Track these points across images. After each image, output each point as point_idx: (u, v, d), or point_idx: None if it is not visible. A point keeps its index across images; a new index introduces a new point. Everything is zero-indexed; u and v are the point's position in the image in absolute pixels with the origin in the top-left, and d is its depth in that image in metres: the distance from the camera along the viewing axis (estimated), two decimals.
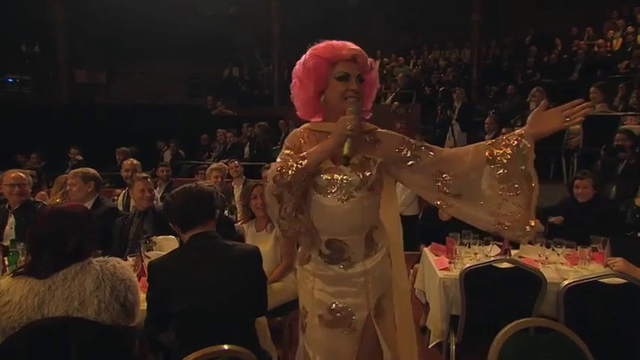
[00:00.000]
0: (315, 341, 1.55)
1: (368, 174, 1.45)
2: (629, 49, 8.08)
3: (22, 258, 2.37)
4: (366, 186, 1.44)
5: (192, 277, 1.57)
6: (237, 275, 1.60)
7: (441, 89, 7.47)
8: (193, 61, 11.97)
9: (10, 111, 8.43)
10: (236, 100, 11.41)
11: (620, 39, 8.66)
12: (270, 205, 1.45)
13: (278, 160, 1.44)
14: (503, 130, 4.90)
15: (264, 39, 11.39)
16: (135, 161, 4.31)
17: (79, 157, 6.73)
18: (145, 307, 1.80)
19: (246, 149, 7.44)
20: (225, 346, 1.37)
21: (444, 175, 1.46)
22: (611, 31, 9.11)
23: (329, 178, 1.43)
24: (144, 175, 3.28)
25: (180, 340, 1.62)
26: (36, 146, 6.98)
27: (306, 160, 1.37)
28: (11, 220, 3.06)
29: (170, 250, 1.82)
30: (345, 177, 1.43)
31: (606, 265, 2.31)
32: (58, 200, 3.35)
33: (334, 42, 1.49)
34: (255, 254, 1.63)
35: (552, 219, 3.42)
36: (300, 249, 1.59)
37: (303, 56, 1.50)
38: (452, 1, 10.08)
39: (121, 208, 4.03)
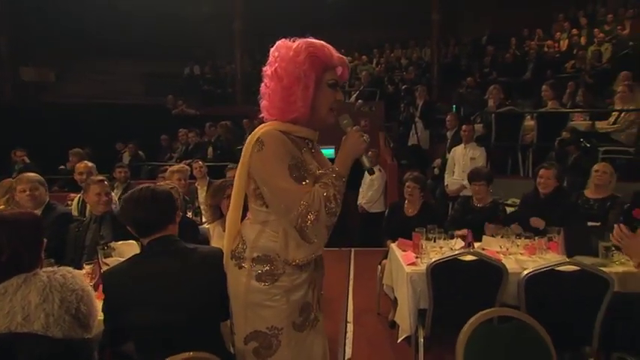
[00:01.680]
0: (294, 354, 1.46)
1: None
2: (574, 51, 8.59)
3: None
4: None
5: (151, 286, 1.49)
6: (200, 281, 1.53)
7: (403, 87, 7.62)
8: (151, 59, 11.56)
9: None
10: (198, 99, 11.13)
11: (567, 40, 9.18)
12: (319, 235, 1.35)
13: (304, 183, 1.37)
14: (463, 127, 5.05)
15: (227, 36, 11.18)
16: (89, 163, 4.10)
17: (26, 160, 6.32)
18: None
19: (210, 149, 7.27)
20: (191, 353, 1.32)
21: None
22: (558, 33, 9.65)
23: None
24: (100, 177, 3.12)
25: (141, 353, 1.54)
26: None
27: (342, 179, 1.38)
28: None
29: (127, 258, 1.72)
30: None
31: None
32: (2, 207, 3.12)
33: (326, 44, 1.42)
34: (217, 256, 1.55)
35: (534, 224, 3.29)
36: (265, 268, 1.41)
37: (293, 51, 1.37)
38: (413, 1, 10.30)
39: (75, 213, 3.82)
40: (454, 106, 7.39)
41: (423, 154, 6.60)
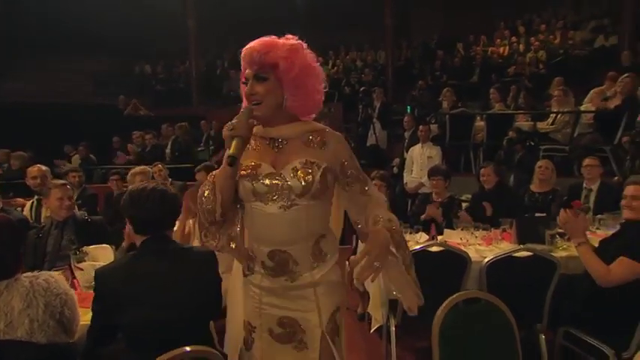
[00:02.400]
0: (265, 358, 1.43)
1: (310, 179, 1.30)
2: (515, 56, 9.27)
3: None
4: (309, 193, 1.31)
5: (146, 284, 1.50)
6: (195, 280, 1.56)
7: (361, 89, 7.84)
8: (99, 56, 11.02)
9: None
10: (150, 99, 10.74)
11: (507, 47, 9.89)
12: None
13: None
14: (420, 128, 5.32)
15: (181, 34, 10.89)
16: (43, 167, 3.90)
17: None
18: (85, 321, 1.69)
19: (168, 151, 7.08)
20: (188, 348, 1.36)
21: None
22: (498, 40, 10.35)
23: (268, 184, 1.31)
24: (62, 181, 3.00)
25: (134, 351, 1.54)
26: None
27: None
28: None
29: (120, 257, 1.71)
30: (286, 183, 1.30)
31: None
32: None
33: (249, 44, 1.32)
34: (211, 257, 1.60)
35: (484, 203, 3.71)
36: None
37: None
38: (366, 5, 10.59)
39: (30, 219, 3.63)
40: (408, 107, 7.73)
41: (381, 154, 6.85)
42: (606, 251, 2.23)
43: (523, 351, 1.76)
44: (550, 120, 5.73)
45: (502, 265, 2.40)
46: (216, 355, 1.39)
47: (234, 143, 1.25)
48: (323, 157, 1.35)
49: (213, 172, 1.39)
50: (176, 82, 11.77)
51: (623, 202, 2.31)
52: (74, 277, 2.16)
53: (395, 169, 6.05)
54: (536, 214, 3.36)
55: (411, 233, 3.13)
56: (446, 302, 1.76)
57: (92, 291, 1.59)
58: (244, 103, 1.36)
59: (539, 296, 2.43)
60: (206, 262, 1.58)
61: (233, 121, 1.28)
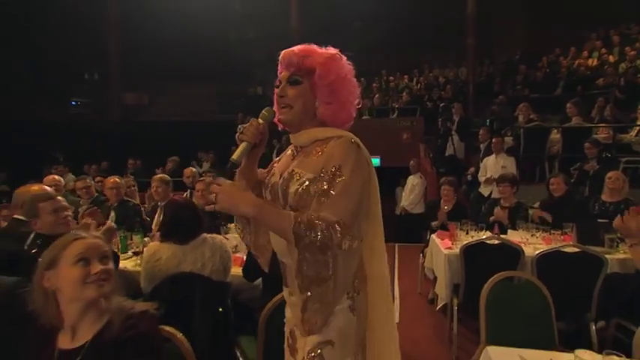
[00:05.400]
0: None
1: (286, 190, 1.17)
2: (605, 67, 8.58)
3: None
4: (287, 203, 1.17)
5: None
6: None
7: (441, 105, 8.01)
8: (221, 82, 12.67)
9: (74, 128, 9.26)
10: None
11: (597, 58, 9.15)
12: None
13: None
14: (494, 140, 5.44)
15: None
16: (194, 169, 4.94)
17: (139, 164, 7.48)
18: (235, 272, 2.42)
19: None
20: None
21: None
22: (586, 52, 9.61)
23: (270, 192, 1.25)
24: (202, 178, 3.94)
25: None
26: (97, 157, 7.74)
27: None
28: (112, 214, 3.70)
29: None
30: (277, 192, 1.21)
31: None
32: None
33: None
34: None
35: (544, 216, 3.82)
36: None
37: None
38: (451, 27, 10.65)
39: None
40: (487, 120, 7.71)
41: (458, 164, 6.99)
42: None
43: (575, 340, 1.93)
44: (634, 132, 5.39)
45: (551, 258, 2.62)
46: None
47: (239, 147, 1.18)
48: (313, 168, 1.15)
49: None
50: None
51: None
52: None
53: (469, 177, 6.19)
54: (599, 220, 3.39)
55: (475, 230, 3.43)
56: (490, 280, 2.11)
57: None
58: (275, 107, 1.26)
59: (588, 289, 2.60)
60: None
61: (244, 124, 1.22)
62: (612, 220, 3.59)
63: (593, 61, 9.04)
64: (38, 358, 1.19)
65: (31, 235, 2.09)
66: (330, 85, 1.19)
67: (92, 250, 1.23)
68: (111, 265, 1.27)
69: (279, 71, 1.26)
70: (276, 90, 1.24)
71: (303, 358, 1.17)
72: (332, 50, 1.23)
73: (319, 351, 1.15)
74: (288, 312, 1.31)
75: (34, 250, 2.02)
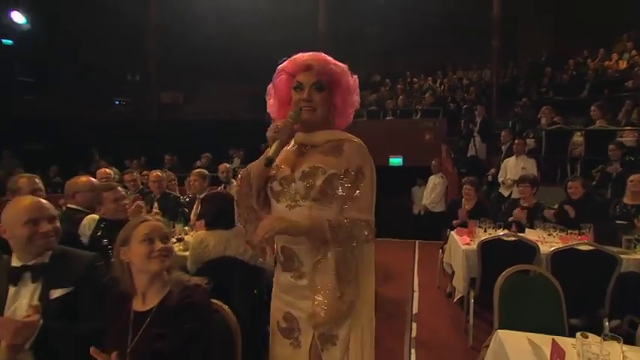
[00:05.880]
0: (273, 350, 1.45)
1: (312, 183, 1.28)
2: (635, 69, 8.31)
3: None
4: (310, 196, 1.29)
5: None
6: None
7: (464, 107, 7.98)
8: (250, 82, 12.97)
9: (116, 126, 9.82)
10: None
11: (626, 60, 8.87)
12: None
13: None
14: (516, 141, 5.44)
15: None
16: (228, 165, 5.21)
17: (175, 159, 7.87)
18: None
19: None
20: None
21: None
22: (615, 54, 9.31)
23: (282, 184, 1.34)
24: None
25: None
26: (136, 153, 8.19)
27: (247, 171, 1.39)
28: (155, 205, 4.00)
29: None
30: (294, 184, 1.31)
31: None
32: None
33: (299, 54, 1.37)
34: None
35: (566, 206, 3.87)
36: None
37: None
38: (475, 29, 10.55)
39: None
40: (510, 122, 7.65)
41: (480, 164, 6.99)
42: None
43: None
44: None
45: (566, 255, 2.70)
46: None
47: (274, 145, 1.27)
48: (333, 164, 1.29)
49: (248, 167, 1.42)
50: None
51: None
52: None
53: (490, 178, 6.21)
54: (618, 222, 3.40)
55: (493, 228, 3.52)
56: (505, 271, 2.22)
57: None
58: (291, 107, 1.35)
59: (601, 287, 2.65)
60: None
61: (278, 124, 1.29)
62: (632, 222, 3.65)
63: (622, 63, 8.76)
64: (117, 318, 1.43)
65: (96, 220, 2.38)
66: (344, 94, 1.36)
67: (155, 231, 1.45)
68: (171, 244, 1.50)
69: (292, 72, 1.37)
70: (288, 91, 1.38)
71: (313, 337, 1.32)
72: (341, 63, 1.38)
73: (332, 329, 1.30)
74: (284, 297, 1.41)
75: (98, 233, 2.32)
